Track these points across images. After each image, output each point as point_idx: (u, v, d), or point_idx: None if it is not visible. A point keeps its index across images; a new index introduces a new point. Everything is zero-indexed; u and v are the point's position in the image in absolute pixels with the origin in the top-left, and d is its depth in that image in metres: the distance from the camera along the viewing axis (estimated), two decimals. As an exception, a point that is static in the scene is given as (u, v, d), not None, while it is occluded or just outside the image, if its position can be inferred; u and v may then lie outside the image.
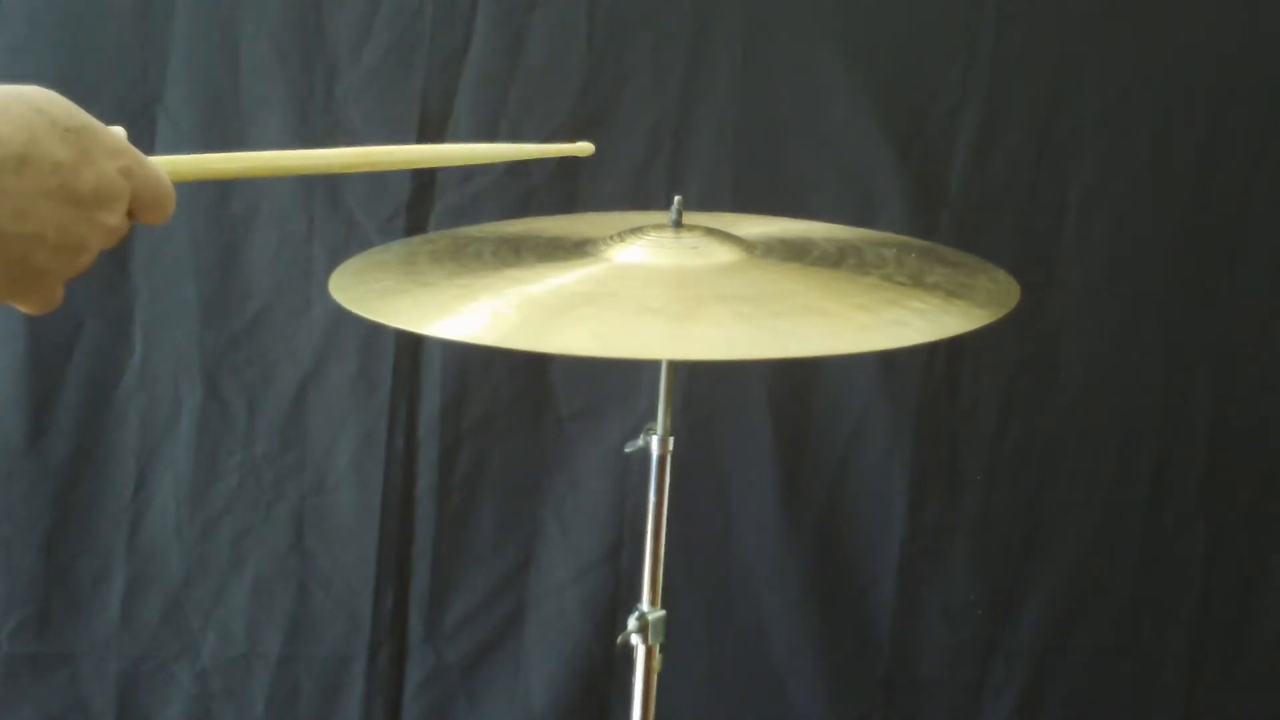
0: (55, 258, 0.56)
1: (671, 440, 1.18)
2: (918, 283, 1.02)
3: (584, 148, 1.00)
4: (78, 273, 0.58)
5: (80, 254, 0.57)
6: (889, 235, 1.27)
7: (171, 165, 0.64)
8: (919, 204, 1.62)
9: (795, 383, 1.68)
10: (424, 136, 1.59)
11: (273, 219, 1.61)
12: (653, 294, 0.96)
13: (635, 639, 1.19)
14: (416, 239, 1.40)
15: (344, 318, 1.40)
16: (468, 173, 1.61)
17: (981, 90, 1.61)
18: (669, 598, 1.21)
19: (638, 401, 1.65)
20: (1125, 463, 1.70)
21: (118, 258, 1.61)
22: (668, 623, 1.20)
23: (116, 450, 1.66)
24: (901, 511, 1.70)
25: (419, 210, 1.62)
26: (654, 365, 1.32)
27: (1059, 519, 1.72)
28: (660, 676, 1.21)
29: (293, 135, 1.58)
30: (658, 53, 1.60)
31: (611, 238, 1.06)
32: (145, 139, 1.57)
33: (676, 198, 1.07)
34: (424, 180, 1.61)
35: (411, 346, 1.65)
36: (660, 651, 1.21)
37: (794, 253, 1.09)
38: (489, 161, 0.93)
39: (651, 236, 1.05)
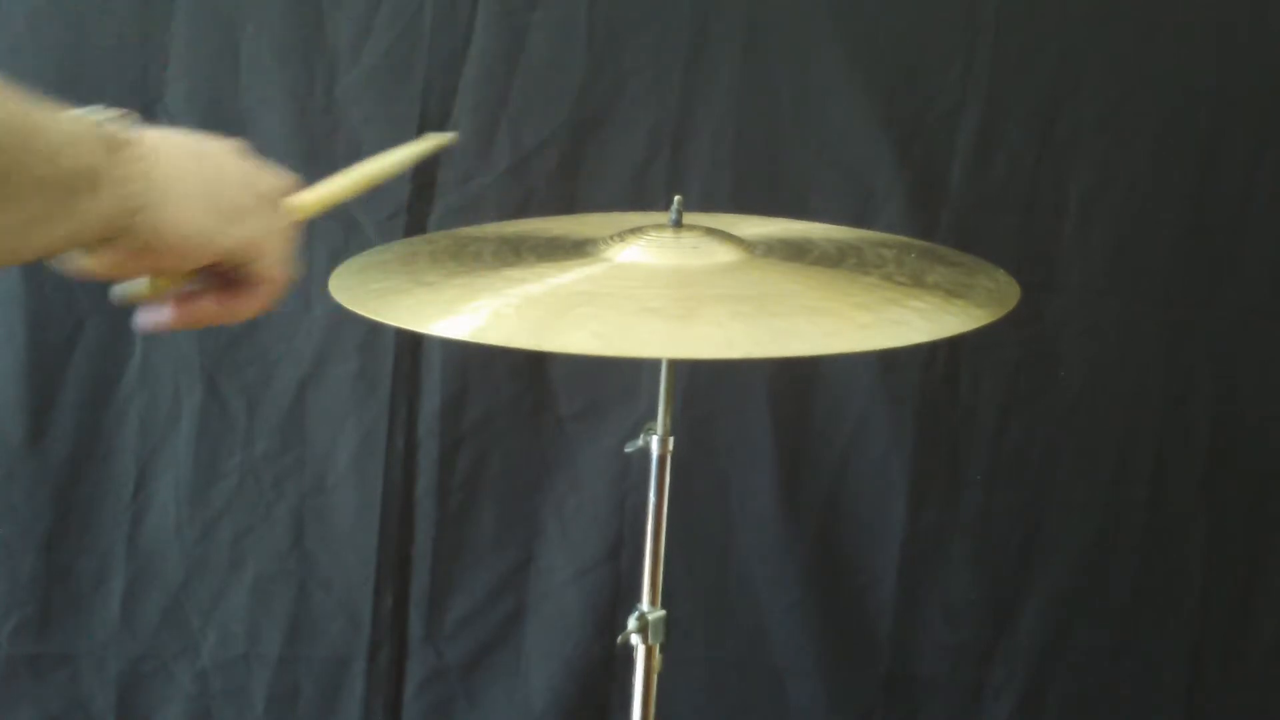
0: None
1: (671, 440, 1.18)
2: (918, 283, 1.02)
3: (449, 137, 1.06)
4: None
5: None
6: (889, 235, 1.27)
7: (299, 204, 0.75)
8: (919, 204, 1.62)
9: (795, 383, 1.68)
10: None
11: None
12: (652, 294, 0.96)
13: (635, 639, 1.19)
14: (416, 239, 1.40)
15: (344, 318, 1.40)
16: (468, 173, 1.61)
17: (981, 90, 1.61)
18: (669, 598, 1.21)
19: (638, 401, 1.65)
20: (1125, 463, 1.70)
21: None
22: (668, 623, 1.20)
23: (116, 450, 1.66)
24: (901, 511, 1.69)
25: (419, 210, 1.62)
26: (654, 365, 1.32)
27: (1059, 519, 1.72)
28: (660, 676, 1.21)
29: (293, 135, 1.58)
30: (658, 53, 1.60)
31: (611, 238, 1.06)
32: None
33: (676, 198, 1.07)
34: (424, 180, 1.61)
35: (411, 346, 1.65)
36: (660, 651, 1.21)
37: (794, 253, 1.09)
38: (367, 183, 0.88)
39: (651, 236, 1.05)
